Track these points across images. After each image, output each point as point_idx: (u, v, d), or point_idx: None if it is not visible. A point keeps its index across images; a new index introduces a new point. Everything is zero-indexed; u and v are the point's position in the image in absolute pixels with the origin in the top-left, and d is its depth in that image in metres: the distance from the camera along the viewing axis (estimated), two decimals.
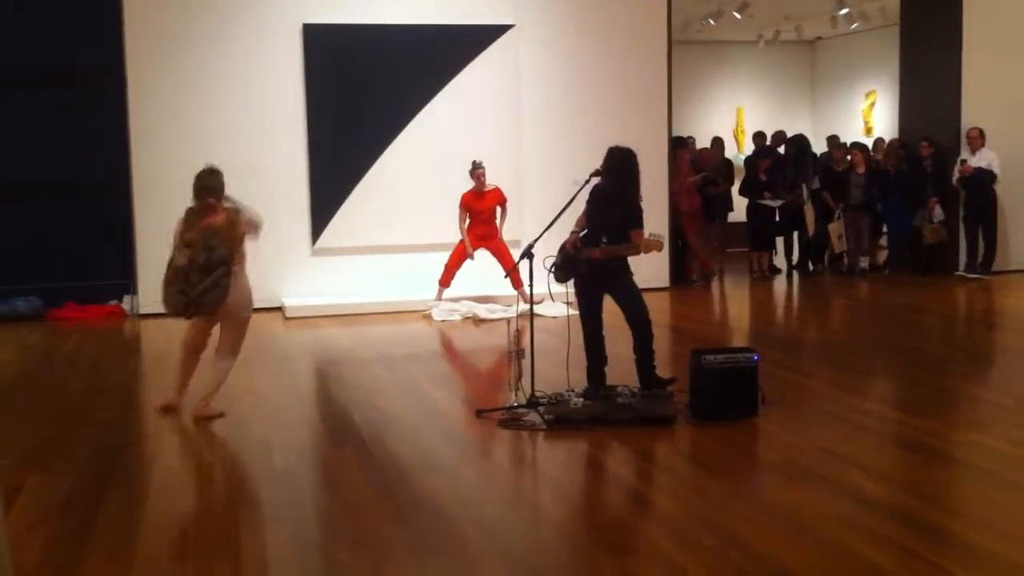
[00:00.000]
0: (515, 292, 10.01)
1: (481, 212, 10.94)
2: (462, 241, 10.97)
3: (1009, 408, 7.13)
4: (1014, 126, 13.36)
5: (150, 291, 11.12)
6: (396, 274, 11.63)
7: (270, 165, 11.39)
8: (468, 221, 10.94)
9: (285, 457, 6.16)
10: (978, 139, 12.99)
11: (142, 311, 11.15)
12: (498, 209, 11.01)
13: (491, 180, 11.24)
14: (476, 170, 10.87)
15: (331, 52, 11.45)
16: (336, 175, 11.57)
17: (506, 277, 9.65)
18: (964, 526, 4.91)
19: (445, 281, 11.02)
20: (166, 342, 9.89)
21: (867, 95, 19.54)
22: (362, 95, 11.58)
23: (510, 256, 10.53)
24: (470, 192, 10.95)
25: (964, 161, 12.99)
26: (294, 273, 11.51)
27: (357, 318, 10.91)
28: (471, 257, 10.98)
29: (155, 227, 11.10)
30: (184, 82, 11.17)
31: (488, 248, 10.96)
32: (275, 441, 6.47)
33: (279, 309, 11.25)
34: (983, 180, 12.95)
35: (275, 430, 6.75)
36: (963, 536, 4.77)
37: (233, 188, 11.26)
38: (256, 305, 11.19)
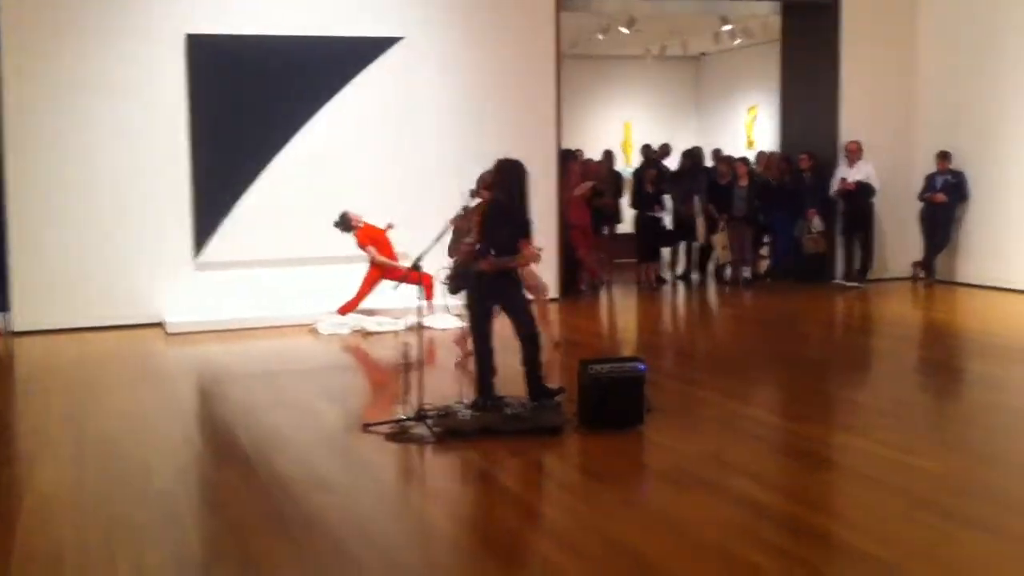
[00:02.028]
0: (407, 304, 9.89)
1: (385, 243, 10.86)
2: (369, 275, 10.82)
3: (884, 411, 7.34)
4: (890, 139, 13.82)
5: (25, 308, 10.77)
6: (282, 288, 11.43)
7: (151, 178, 11.11)
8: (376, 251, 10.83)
9: (165, 478, 5.99)
10: (856, 152, 13.39)
11: (16, 329, 10.74)
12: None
13: (382, 191, 11.16)
14: (350, 225, 10.82)
15: (216, 63, 11.22)
16: (220, 188, 11.33)
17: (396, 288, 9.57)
18: (843, 529, 5.03)
19: (345, 311, 10.83)
20: (40, 361, 9.58)
21: (749, 109, 20.01)
22: (248, 107, 11.38)
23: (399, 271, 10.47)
24: (366, 228, 10.84)
25: (844, 179, 13.36)
26: (176, 288, 11.22)
27: (242, 334, 10.70)
28: (402, 277, 10.69)
29: (30, 243, 10.78)
30: (62, 94, 10.82)
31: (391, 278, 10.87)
32: (154, 462, 6.29)
33: (160, 325, 10.95)
34: (861, 192, 13.35)
35: (154, 450, 6.56)
36: (844, 539, 4.88)
37: (113, 201, 11.05)
38: (136, 321, 11.06)
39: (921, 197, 13.35)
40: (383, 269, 10.73)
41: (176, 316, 10.93)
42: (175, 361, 9.66)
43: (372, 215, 10.94)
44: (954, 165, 13.19)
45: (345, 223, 10.87)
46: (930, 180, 13.31)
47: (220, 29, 11.22)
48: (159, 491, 5.75)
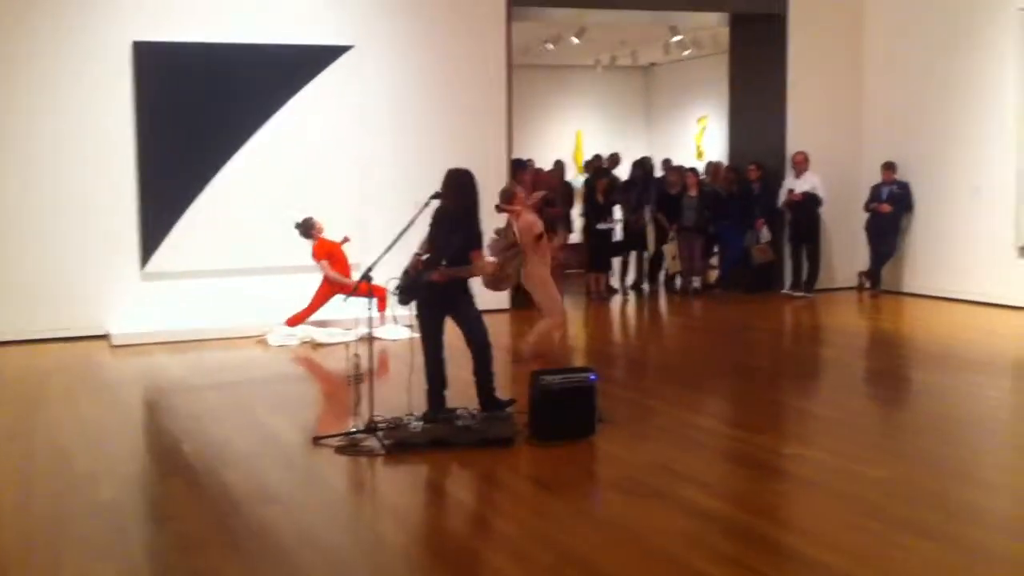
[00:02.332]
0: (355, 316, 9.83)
1: (340, 258, 10.78)
2: (321, 289, 10.74)
3: (832, 420, 7.42)
4: (837, 150, 13.98)
5: None
6: (231, 298, 11.30)
7: (97, 187, 10.94)
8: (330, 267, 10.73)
9: (111, 489, 5.89)
10: (803, 163, 13.53)
11: None
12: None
13: (333, 202, 11.10)
14: (310, 229, 10.74)
15: (163, 71, 11.08)
16: (168, 197, 11.18)
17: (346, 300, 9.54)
18: (794, 537, 5.07)
19: (294, 323, 10.74)
20: None
21: (699, 120, 20.18)
22: (196, 115, 11.25)
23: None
24: (321, 242, 10.77)
25: (792, 191, 13.50)
26: (122, 298, 11.06)
27: (190, 345, 10.56)
28: (351, 294, 10.60)
29: None
30: (5, 102, 10.64)
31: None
32: (101, 473, 6.19)
33: (105, 337, 10.78)
34: (808, 203, 13.50)
35: (101, 462, 6.45)
36: (793, 547, 4.92)
37: (57, 211, 10.88)
38: (81, 333, 10.89)
39: (867, 207, 13.53)
40: (334, 285, 10.65)
41: (122, 327, 10.77)
42: (121, 373, 9.51)
43: (325, 226, 10.87)
44: (899, 176, 13.38)
45: (306, 228, 10.77)
46: (876, 191, 13.49)
47: (167, 36, 11.09)
48: (105, 503, 5.65)
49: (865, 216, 13.59)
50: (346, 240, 10.79)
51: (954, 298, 12.71)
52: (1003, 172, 12.12)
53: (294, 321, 10.72)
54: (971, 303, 12.35)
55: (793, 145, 13.81)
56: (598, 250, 14.00)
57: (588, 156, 16.19)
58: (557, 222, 14.24)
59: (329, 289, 10.68)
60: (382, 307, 10.23)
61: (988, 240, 12.29)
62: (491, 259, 7.01)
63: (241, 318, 11.02)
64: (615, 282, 14.52)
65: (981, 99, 12.50)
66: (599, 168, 14.81)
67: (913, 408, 8.11)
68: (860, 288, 13.89)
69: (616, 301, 13.93)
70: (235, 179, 11.41)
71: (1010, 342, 10.49)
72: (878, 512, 5.27)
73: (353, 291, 7.64)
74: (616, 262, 14.50)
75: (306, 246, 10.80)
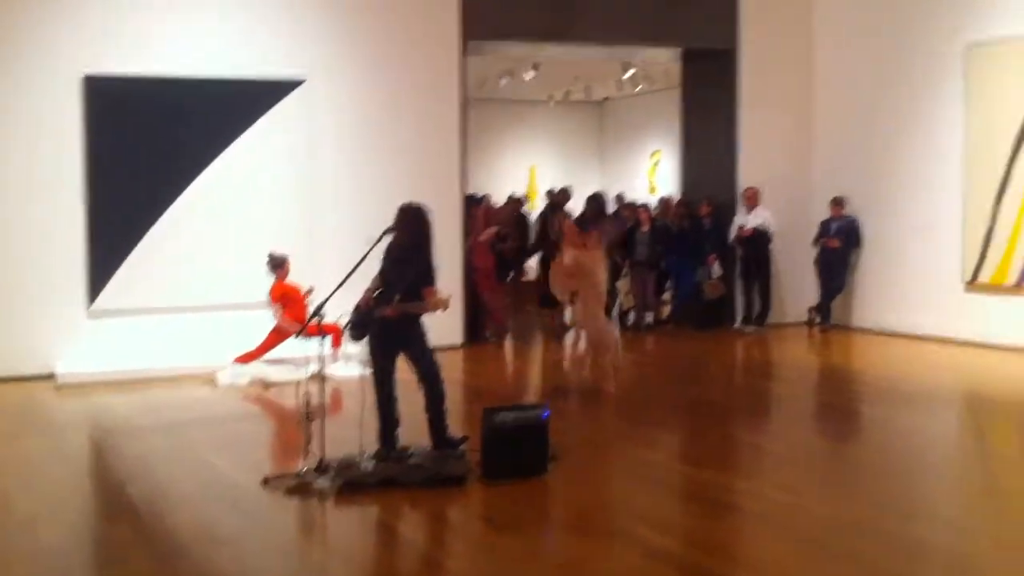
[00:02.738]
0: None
1: (299, 305, 10.65)
2: (274, 332, 10.63)
3: (783, 456, 7.46)
4: (787, 185, 14.14)
5: None
6: (181, 337, 11.16)
7: (43, 222, 10.79)
8: (283, 312, 10.62)
9: (53, 533, 5.76)
10: (753, 198, 13.67)
11: None
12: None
13: (284, 238, 11.05)
14: (277, 266, 10.65)
15: (113, 104, 10.98)
16: (116, 233, 11.03)
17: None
18: (745, 574, 5.06)
19: (245, 360, 10.63)
20: None
21: (652, 154, 20.34)
22: (146, 150, 11.14)
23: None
24: (279, 285, 10.67)
25: (742, 227, 13.63)
26: (68, 336, 10.88)
27: (137, 384, 10.40)
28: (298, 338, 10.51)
29: None
30: None
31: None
32: (42, 516, 6.06)
33: (51, 376, 10.58)
34: (759, 238, 13.63)
35: (43, 504, 6.32)
36: None
37: (3, 247, 10.71)
38: (25, 372, 10.69)
39: (816, 243, 13.68)
40: (282, 332, 10.53)
41: (68, 366, 10.59)
42: (66, 413, 9.34)
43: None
44: (849, 211, 13.56)
45: (275, 264, 10.65)
46: (825, 226, 13.66)
47: (118, 70, 10.99)
48: (48, 547, 5.53)
49: (815, 251, 13.74)
50: (311, 291, 10.54)
51: (902, 333, 12.86)
52: (949, 207, 12.32)
53: (244, 359, 10.61)
54: (919, 338, 12.50)
55: (744, 180, 13.96)
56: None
57: (542, 191, 16.23)
58: (510, 258, 14.28)
59: (278, 334, 10.59)
60: (336, 344, 10.17)
61: (936, 276, 12.46)
62: (442, 294, 6.97)
63: (190, 357, 10.89)
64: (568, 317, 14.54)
65: (929, 135, 12.72)
66: (554, 203, 14.84)
67: (862, 443, 8.17)
68: (810, 323, 14.01)
69: (570, 336, 13.93)
70: (185, 215, 11.29)
71: (957, 377, 10.62)
72: (826, 548, 5.30)
73: (301, 332, 7.55)
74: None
75: (266, 282, 10.71)
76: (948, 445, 8.10)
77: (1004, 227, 11.64)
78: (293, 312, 10.51)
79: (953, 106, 12.29)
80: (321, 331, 6.80)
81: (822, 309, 13.78)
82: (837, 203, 13.55)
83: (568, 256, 9.54)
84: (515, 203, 15.05)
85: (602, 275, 9.67)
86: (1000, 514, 6.17)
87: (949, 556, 5.31)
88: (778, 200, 13.86)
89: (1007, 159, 11.62)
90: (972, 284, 12.04)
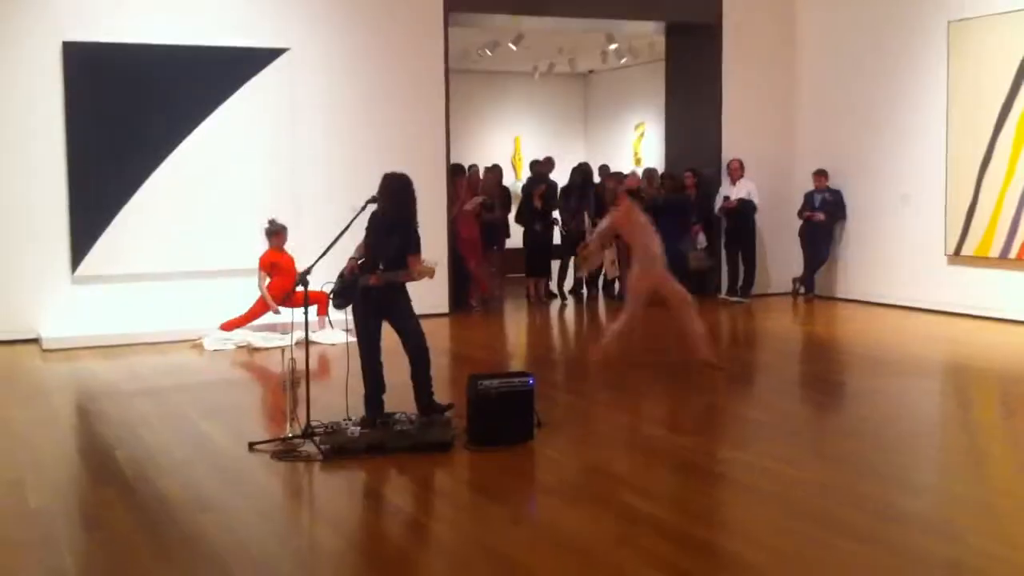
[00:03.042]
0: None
1: (285, 276, 10.62)
2: (260, 299, 10.63)
3: (767, 424, 7.51)
4: (771, 157, 14.18)
5: None
6: (165, 302, 11.16)
7: (26, 189, 10.76)
8: (268, 280, 10.61)
9: (40, 496, 5.78)
10: (738, 170, 13.70)
11: None
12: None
13: (268, 206, 11.01)
14: (274, 233, 10.62)
15: (94, 71, 10.92)
16: (99, 200, 11.00)
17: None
18: (730, 540, 5.12)
19: (228, 327, 10.63)
20: None
21: (637, 127, 20.32)
22: (128, 117, 11.09)
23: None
24: (271, 253, 10.65)
25: (727, 198, 13.67)
26: (52, 302, 10.86)
27: (123, 349, 10.40)
28: (276, 312, 10.57)
29: None
30: None
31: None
32: (29, 480, 6.07)
33: (35, 341, 10.57)
34: (743, 209, 13.67)
35: (29, 468, 6.33)
36: (727, 549, 4.97)
37: None
38: (11, 336, 10.67)
39: (800, 215, 13.73)
40: (265, 302, 10.54)
41: (53, 331, 10.58)
42: (52, 378, 9.33)
43: (258, 229, 10.75)
44: (832, 183, 13.60)
45: (272, 232, 10.63)
46: (809, 198, 13.70)
47: (98, 37, 10.93)
48: (35, 511, 5.55)
49: (799, 223, 13.79)
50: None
51: (885, 303, 12.95)
52: (933, 180, 12.38)
53: (230, 326, 10.61)
54: (902, 308, 12.59)
55: (728, 152, 13.98)
56: (537, 255, 14.05)
57: (527, 162, 16.19)
58: (497, 227, 14.29)
59: (263, 303, 10.59)
60: (322, 312, 10.18)
61: (918, 247, 12.54)
62: (429, 263, 6.97)
63: (176, 322, 10.89)
64: (554, 287, 14.58)
65: (912, 108, 12.76)
66: (539, 173, 14.83)
67: (845, 412, 8.24)
68: (794, 294, 14.08)
69: (555, 306, 13.97)
70: (169, 181, 11.26)
71: (939, 346, 10.70)
72: (808, 514, 5.35)
73: (282, 304, 7.55)
74: (556, 266, 14.55)
75: (252, 248, 10.68)
76: (930, 413, 8.17)
77: (987, 200, 11.71)
78: (279, 282, 10.50)
79: (937, 80, 12.33)
80: (307, 299, 6.80)
81: (806, 280, 13.86)
82: (820, 175, 13.59)
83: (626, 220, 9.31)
84: (497, 171, 15.02)
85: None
86: (981, 481, 6.25)
87: (931, 522, 5.38)
88: (762, 172, 13.90)
89: (990, 133, 11.67)
90: (956, 256, 12.13)
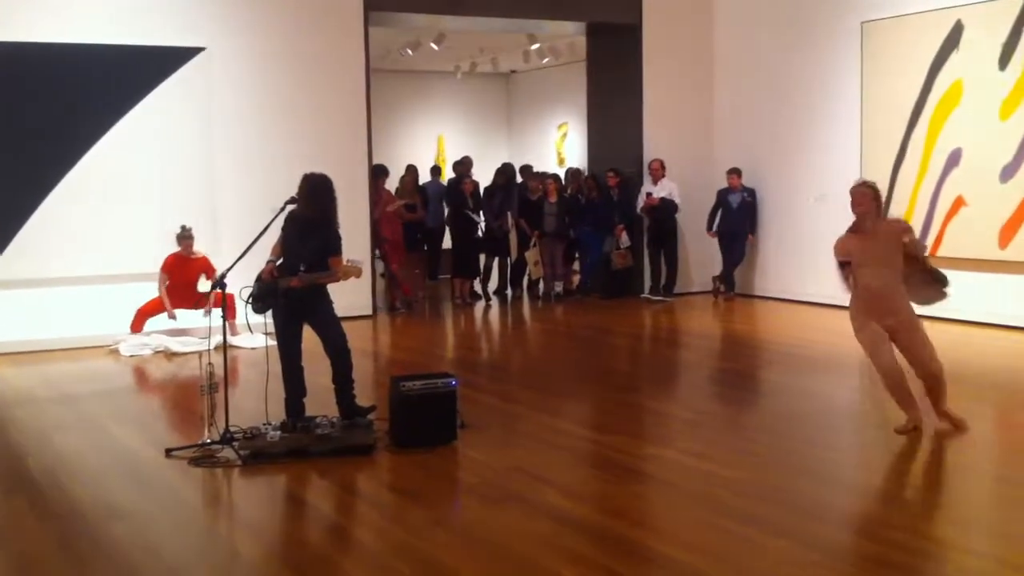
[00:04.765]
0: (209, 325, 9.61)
1: (184, 279, 10.49)
2: (158, 299, 10.50)
3: (689, 421, 7.57)
4: (691, 157, 14.32)
5: None
6: (79, 307, 10.88)
7: None
8: (167, 283, 10.49)
9: None
10: (659, 170, 13.81)
11: None
12: (202, 276, 10.58)
13: (184, 208, 10.81)
14: (185, 238, 10.51)
15: (4, 71, 10.61)
16: (8, 203, 10.68)
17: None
18: (650, 537, 5.14)
19: (137, 327, 10.46)
20: None
21: (560, 127, 20.40)
22: (38, 118, 10.79)
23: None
24: (175, 256, 10.51)
25: (650, 194, 13.78)
26: None
27: (35, 356, 10.14)
28: (174, 318, 10.48)
29: None
30: None
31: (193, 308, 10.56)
32: None
33: None
34: (665, 209, 13.79)
35: None
36: (649, 547, 4.98)
37: None
38: None
39: (711, 213, 13.86)
40: (158, 303, 10.48)
41: None
42: None
43: (173, 232, 10.62)
44: (750, 182, 13.78)
45: (180, 236, 10.59)
46: (722, 195, 13.88)
47: (9, 36, 10.62)
48: None
49: (717, 221, 13.95)
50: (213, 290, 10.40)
51: (803, 300, 13.15)
52: (847, 178, 12.52)
53: (135, 326, 10.41)
54: (819, 305, 12.79)
55: (650, 152, 14.09)
56: (463, 256, 14.02)
57: (451, 162, 16.15)
58: (418, 229, 14.22)
59: (157, 302, 10.50)
60: (231, 316, 9.94)
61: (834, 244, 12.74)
62: (355, 263, 6.89)
63: (90, 328, 10.64)
64: (479, 287, 14.56)
65: (826, 108, 12.99)
66: (462, 174, 14.79)
67: (764, 408, 8.34)
68: (715, 292, 14.24)
69: (480, 306, 13.96)
70: (81, 184, 10.98)
71: (857, 343, 10.88)
72: (731, 511, 5.39)
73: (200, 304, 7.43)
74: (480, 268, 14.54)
75: (165, 252, 10.57)
76: (852, 409, 8.31)
77: (901, 198, 11.95)
78: (175, 281, 10.46)
79: (851, 80, 12.55)
80: (224, 302, 6.69)
81: (726, 278, 14.03)
82: (734, 174, 13.77)
83: None
84: (414, 172, 14.94)
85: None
86: (903, 476, 6.37)
87: (850, 516, 5.46)
88: (683, 172, 14.03)
89: (903, 132, 11.91)
90: None
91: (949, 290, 6.86)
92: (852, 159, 12.51)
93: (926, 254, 8.02)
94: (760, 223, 13.90)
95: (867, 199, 6.95)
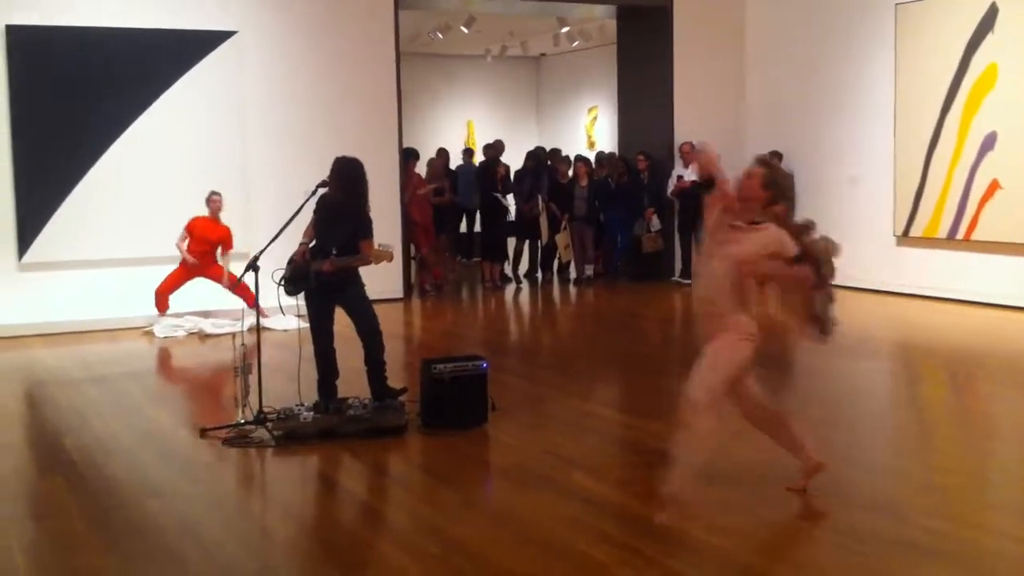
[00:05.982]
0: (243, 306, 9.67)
1: (204, 241, 10.53)
2: (171, 275, 10.54)
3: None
4: (722, 140, 14.19)
5: None
6: (114, 289, 10.99)
7: None
8: (187, 241, 10.53)
9: None
10: (689, 153, 13.74)
11: None
12: (219, 248, 10.61)
13: (217, 188, 10.87)
14: (212, 198, 10.53)
15: (38, 55, 10.72)
16: (45, 185, 10.81)
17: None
18: (683, 521, 5.13)
19: (162, 307, 10.52)
20: None
21: (589, 110, 20.34)
22: (74, 101, 10.90)
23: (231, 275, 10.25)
24: (200, 218, 10.55)
25: (681, 177, 13.72)
26: None
27: (72, 337, 10.26)
28: (194, 262, 10.49)
29: None
30: None
31: (205, 276, 10.57)
32: None
33: None
34: (695, 192, 13.71)
35: None
36: (680, 530, 4.98)
37: None
38: None
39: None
40: (184, 264, 10.51)
41: (0, 319, 10.40)
42: None
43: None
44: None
45: (209, 197, 10.62)
46: None
47: (43, 20, 10.72)
48: None
49: None
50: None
51: (836, 285, 13.03)
52: (882, 161, 12.51)
53: (159, 305, 10.44)
54: (852, 289, 12.70)
55: (680, 135, 14.03)
56: (493, 240, 14.04)
57: (481, 145, 16.20)
58: (448, 212, 14.25)
59: (183, 270, 10.53)
60: (250, 304, 9.93)
61: (868, 228, 12.66)
62: (386, 247, 6.91)
63: (125, 309, 10.75)
64: (510, 270, 14.59)
65: (860, 89, 12.87)
66: (493, 158, 14.82)
67: (796, 391, 8.30)
68: None
69: (510, 290, 13.98)
70: (117, 166, 11.10)
71: (891, 327, 10.84)
72: (760, 495, 5.39)
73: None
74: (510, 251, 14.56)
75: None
76: (882, 393, 8.27)
77: (935, 181, 11.85)
78: (194, 244, 10.50)
79: (884, 59, 12.44)
80: (258, 285, 6.71)
81: None
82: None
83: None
84: (444, 156, 14.98)
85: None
86: (929, 459, 6.33)
87: (874, 499, 5.45)
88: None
89: (937, 114, 11.80)
90: (904, 237, 12.28)
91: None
92: (886, 142, 12.41)
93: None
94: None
95: (755, 184, 5.23)
